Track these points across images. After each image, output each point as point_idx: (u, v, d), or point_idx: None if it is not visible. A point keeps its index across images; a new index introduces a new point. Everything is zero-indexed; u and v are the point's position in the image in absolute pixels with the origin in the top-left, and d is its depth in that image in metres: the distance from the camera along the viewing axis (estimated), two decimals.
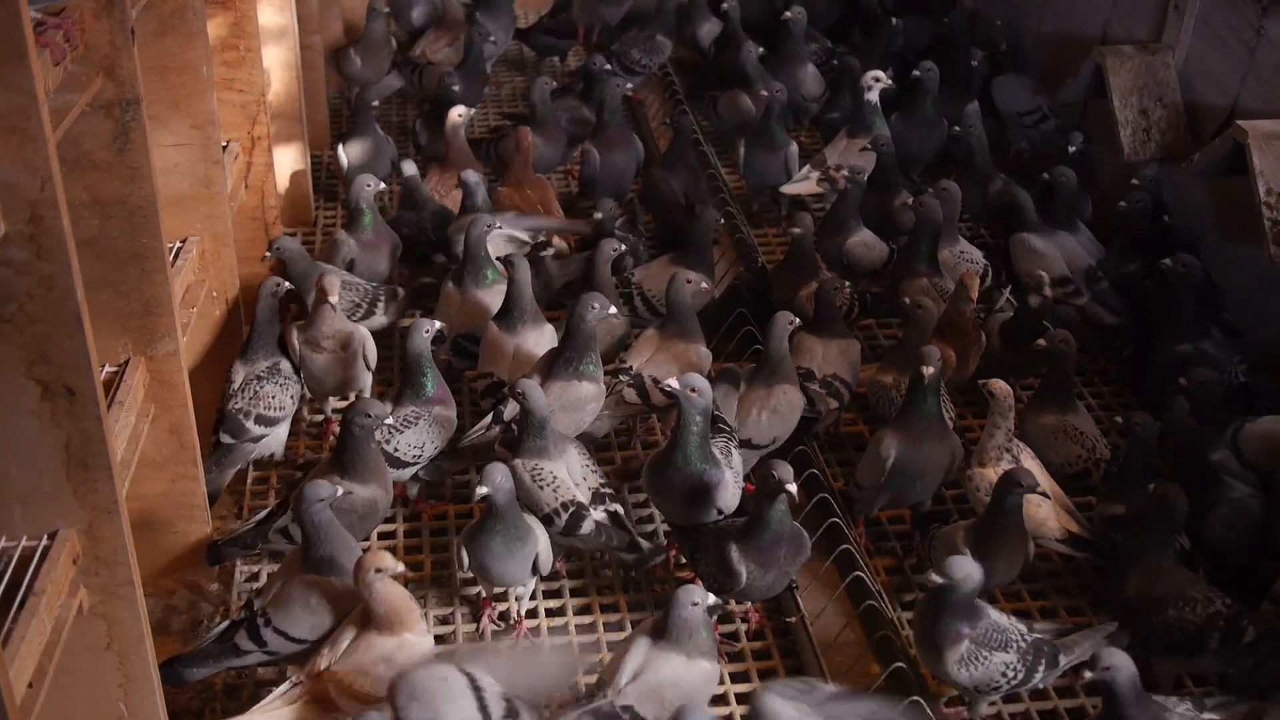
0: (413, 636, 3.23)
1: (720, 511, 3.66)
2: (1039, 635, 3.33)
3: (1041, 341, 4.13)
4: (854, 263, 4.98)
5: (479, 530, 3.55)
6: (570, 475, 3.76)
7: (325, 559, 3.37)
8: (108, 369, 3.44)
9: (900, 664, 3.38)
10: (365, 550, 3.36)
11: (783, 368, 4.06)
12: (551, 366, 4.03)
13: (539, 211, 5.16)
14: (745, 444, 3.98)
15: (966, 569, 3.20)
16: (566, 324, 4.09)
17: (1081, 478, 4.03)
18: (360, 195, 4.82)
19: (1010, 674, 3.25)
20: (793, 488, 3.36)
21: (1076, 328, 4.46)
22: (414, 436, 3.95)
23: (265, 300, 4.18)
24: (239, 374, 4.15)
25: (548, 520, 3.68)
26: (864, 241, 5.01)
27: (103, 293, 3.36)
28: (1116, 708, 2.99)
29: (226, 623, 3.43)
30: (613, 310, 4.09)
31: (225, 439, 4.08)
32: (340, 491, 3.42)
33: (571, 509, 3.70)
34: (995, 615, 3.29)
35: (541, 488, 3.70)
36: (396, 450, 3.92)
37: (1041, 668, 3.28)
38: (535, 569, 3.61)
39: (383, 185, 4.89)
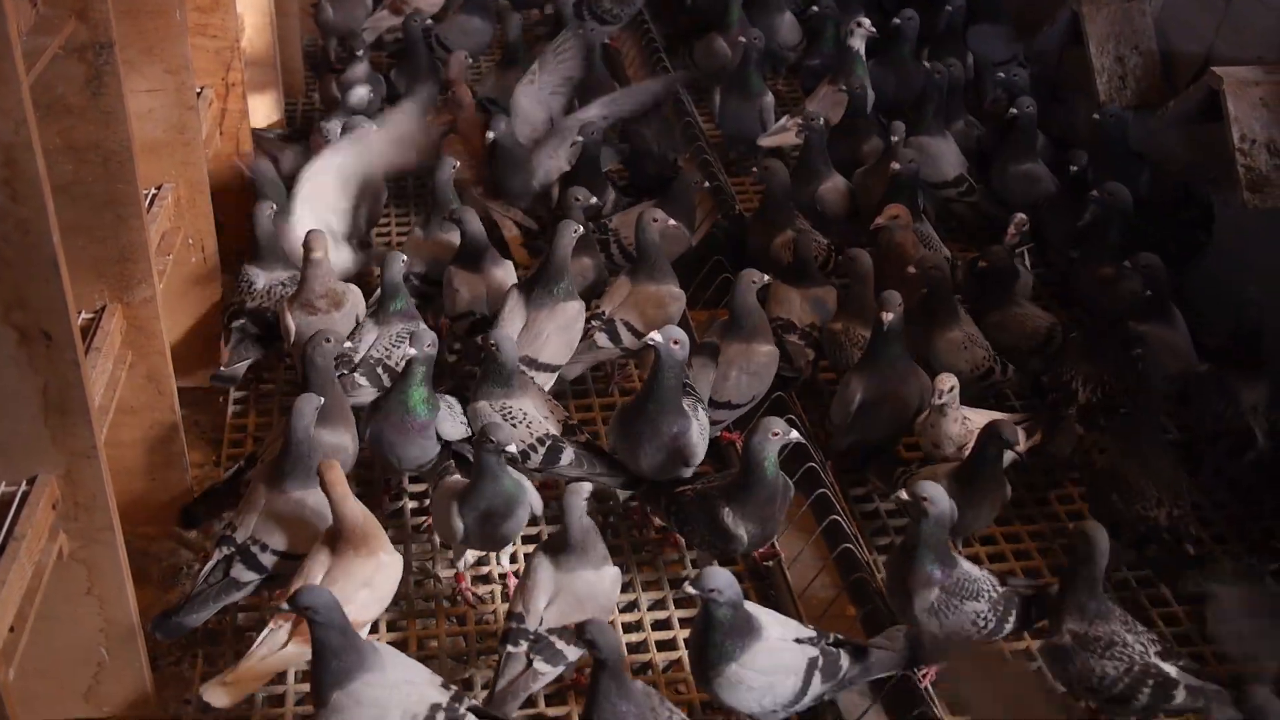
0: (386, 556, 3.26)
1: (686, 463, 3.68)
2: (1010, 587, 3.35)
3: (912, 269, 4.26)
4: (827, 209, 4.99)
5: (472, 496, 3.45)
6: (536, 412, 3.79)
7: (304, 472, 3.40)
8: (84, 315, 3.43)
9: (876, 605, 3.41)
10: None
11: (752, 324, 4.06)
12: (531, 296, 4.09)
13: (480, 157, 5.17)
14: (724, 405, 4.00)
15: (936, 491, 3.23)
16: (549, 250, 4.17)
17: (987, 375, 4.15)
18: None
19: (981, 623, 3.27)
20: (795, 435, 3.44)
21: (970, 222, 5.01)
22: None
23: (262, 221, 4.34)
24: (260, 278, 4.32)
25: (524, 456, 3.69)
26: (836, 187, 5.01)
27: (78, 239, 3.34)
28: (1078, 569, 3.17)
29: (210, 564, 3.42)
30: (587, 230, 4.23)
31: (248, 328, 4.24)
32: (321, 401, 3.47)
33: (548, 442, 3.73)
34: (967, 566, 3.32)
35: (515, 425, 3.71)
36: (399, 364, 3.92)
37: (1012, 618, 3.30)
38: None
39: None
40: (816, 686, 3.06)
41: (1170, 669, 3.11)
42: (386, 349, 3.99)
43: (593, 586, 3.24)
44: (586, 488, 3.28)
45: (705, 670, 3.04)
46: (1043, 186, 5.03)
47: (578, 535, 3.23)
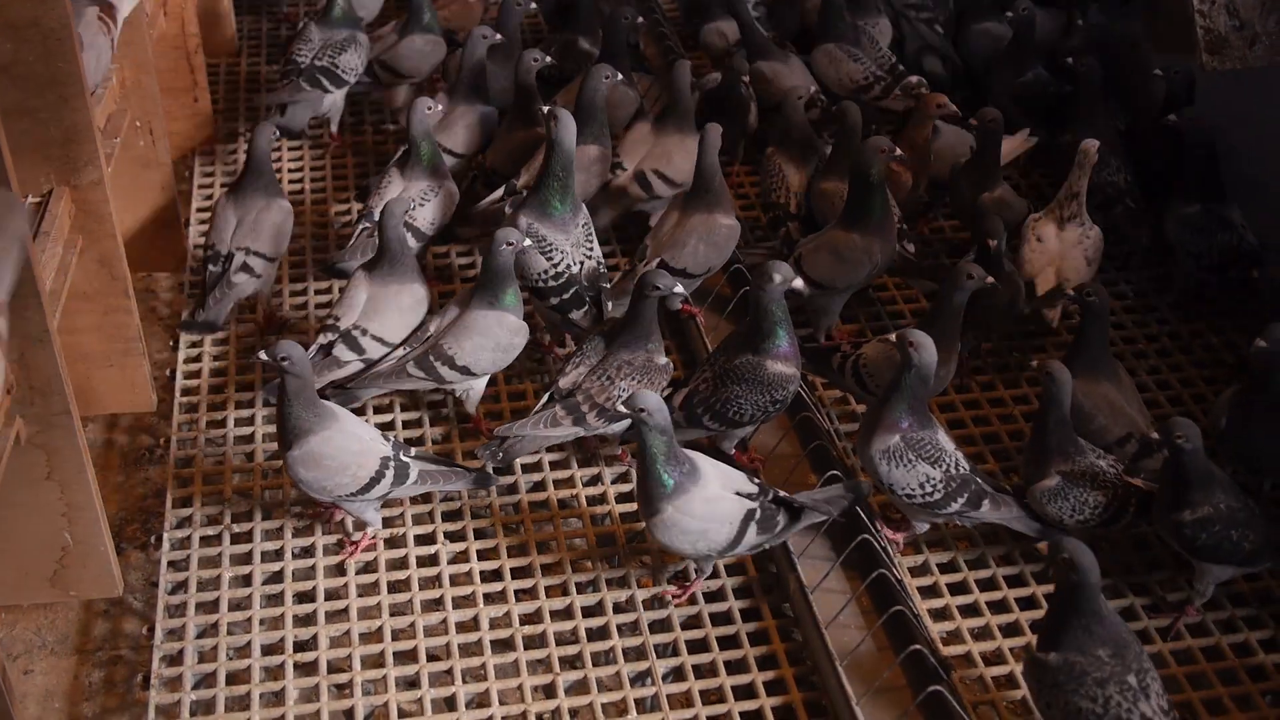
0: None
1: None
2: (978, 476, 3.36)
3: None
4: (711, 48, 5.14)
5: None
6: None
7: (402, 268, 3.77)
8: (32, 199, 3.37)
9: (835, 473, 3.45)
10: None
11: (715, 187, 3.99)
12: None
13: None
14: (680, 272, 3.96)
15: (926, 340, 3.26)
16: (579, 96, 4.26)
17: (868, 89, 4.42)
18: None
19: (928, 489, 3.28)
20: (798, 283, 3.46)
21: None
22: (429, 212, 4.14)
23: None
24: (316, 34, 4.73)
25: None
26: (720, 29, 5.14)
27: (22, 121, 3.27)
28: (1049, 411, 3.32)
29: (313, 347, 3.68)
30: (620, 76, 4.28)
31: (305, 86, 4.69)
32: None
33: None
34: (943, 438, 3.34)
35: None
36: (414, 221, 4.06)
37: (960, 500, 3.30)
38: None
39: None
40: (751, 537, 3.18)
41: (1138, 481, 3.32)
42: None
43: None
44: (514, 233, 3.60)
45: (646, 507, 3.15)
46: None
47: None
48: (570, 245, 3.85)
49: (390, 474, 3.32)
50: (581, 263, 3.86)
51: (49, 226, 3.29)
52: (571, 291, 3.83)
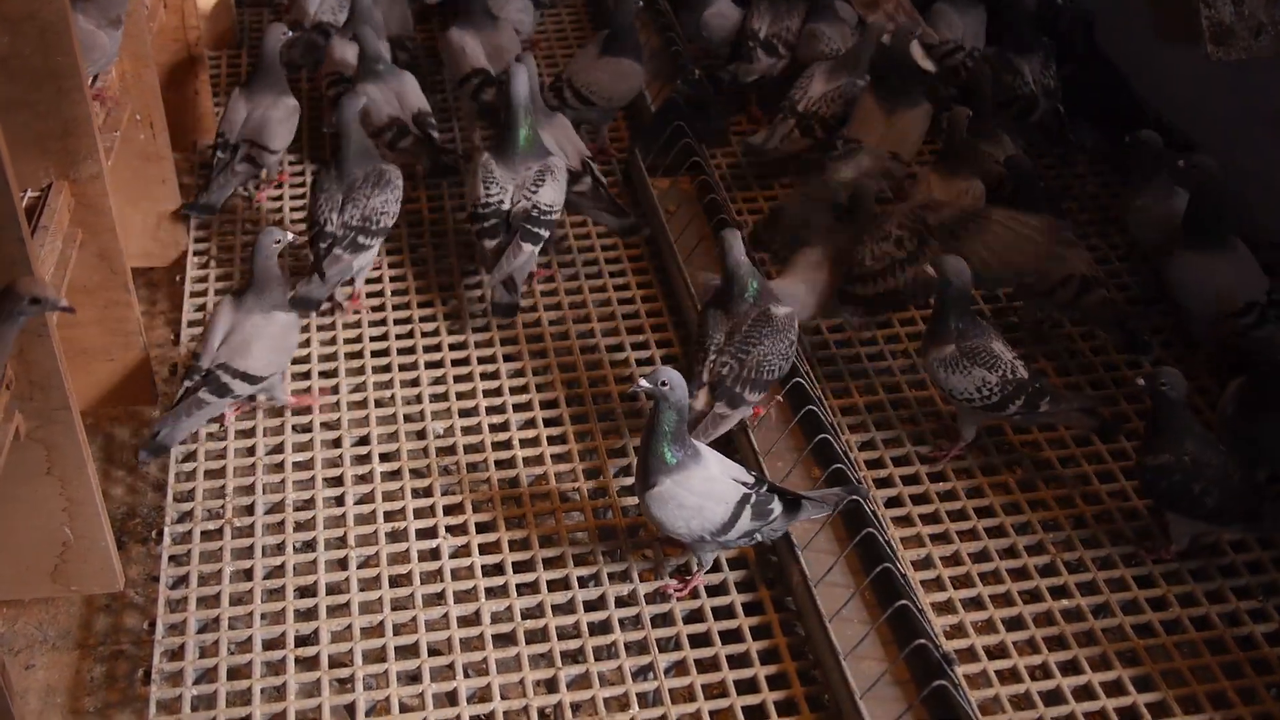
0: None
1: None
2: (1037, 381, 3.57)
3: None
4: (712, 35, 5.13)
5: None
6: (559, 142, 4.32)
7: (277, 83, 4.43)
8: (31, 194, 3.36)
9: (840, 466, 3.43)
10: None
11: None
12: (604, 48, 4.72)
13: None
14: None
15: (958, 265, 3.53)
16: (613, 13, 4.75)
17: None
18: None
19: (985, 392, 3.53)
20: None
21: None
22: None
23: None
24: None
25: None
26: (721, 12, 5.10)
27: (20, 114, 3.26)
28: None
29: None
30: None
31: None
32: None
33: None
34: (998, 345, 3.57)
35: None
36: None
37: (1018, 403, 3.53)
38: None
39: None
40: (745, 522, 3.17)
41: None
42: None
43: (260, 329, 3.66)
44: (281, 234, 3.68)
45: (644, 481, 3.16)
46: None
47: (258, 278, 3.67)
48: (514, 185, 4.10)
49: None
50: (519, 201, 4.07)
51: (48, 220, 3.27)
52: (491, 223, 4.06)
